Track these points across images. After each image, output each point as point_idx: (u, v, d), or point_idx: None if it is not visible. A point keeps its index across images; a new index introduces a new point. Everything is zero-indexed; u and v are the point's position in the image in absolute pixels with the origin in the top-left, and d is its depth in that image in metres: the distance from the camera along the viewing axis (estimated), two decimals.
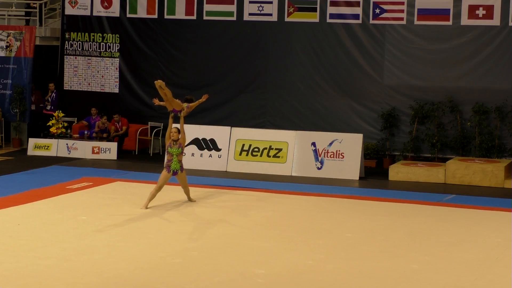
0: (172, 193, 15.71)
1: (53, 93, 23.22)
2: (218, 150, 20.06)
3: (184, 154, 15.33)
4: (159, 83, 15.12)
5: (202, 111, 22.09)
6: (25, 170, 19.11)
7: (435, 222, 14.39)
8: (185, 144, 15.24)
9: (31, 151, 21.75)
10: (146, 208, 14.71)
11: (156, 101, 15.84)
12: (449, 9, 20.31)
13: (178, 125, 15.15)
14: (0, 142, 22.72)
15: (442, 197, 17.01)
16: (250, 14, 21.81)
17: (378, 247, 12.45)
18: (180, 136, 15.10)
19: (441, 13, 20.38)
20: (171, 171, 15.02)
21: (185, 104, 15.50)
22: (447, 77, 20.44)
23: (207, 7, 22.12)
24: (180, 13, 22.36)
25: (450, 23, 20.37)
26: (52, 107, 23.02)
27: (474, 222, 14.46)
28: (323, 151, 19.39)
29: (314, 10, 21.28)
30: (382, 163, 20.68)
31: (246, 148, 19.89)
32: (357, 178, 19.00)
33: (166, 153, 15.24)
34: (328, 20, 21.21)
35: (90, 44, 23.19)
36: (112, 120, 22.30)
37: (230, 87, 22.09)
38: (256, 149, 19.81)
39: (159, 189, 14.98)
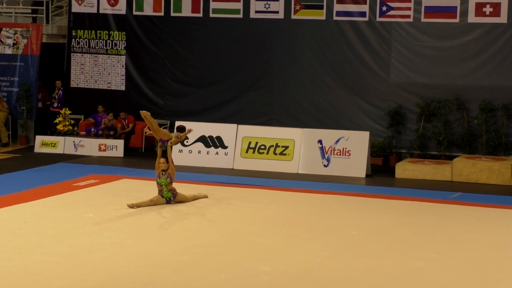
0: (179, 191, 15.70)
1: (60, 91, 23.25)
2: (225, 147, 20.07)
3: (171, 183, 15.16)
4: (144, 113, 15.09)
5: (209, 109, 22.13)
6: (32, 168, 19.14)
7: (442, 220, 14.38)
8: (174, 174, 15.05)
9: (38, 149, 21.79)
10: (131, 207, 14.58)
11: (147, 131, 15.74)
12: (456, 7, 20.28)
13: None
14: (7, 139, 22.76)
15: (448, 195, 16.99)
16: (256, 11, 21.80)
17: (384, 244, 12.45)
18: (169, 166, 15.02)
19: (448, 11, 20.35)
20: (165, 198, 15.02)
21: (174, 134, 15.49)
22: (454, 75, 20.41)
23: (213, 5, 22.12)
24: (186, 11, 22.36)
25: (457, 20, 20.33)
26: (59, 105, 23.05)
27: (480, 220, 14.44)
28: (330, 148, 19.39)
29: (321, 7, 21.26)
30: (389, 160, 20.66)
31: (252, 145, 19.89)
32: (364, 176, 18.98)
33: (156, 183, 15.13)
34: (335, 18, 21.19)
35: (97, 41, 23.21)
36: (118, 118, 22.33)
37: (236, 84, 22.09)
38: (263, 147, 19.82)
39: (152, 204, 14.90)
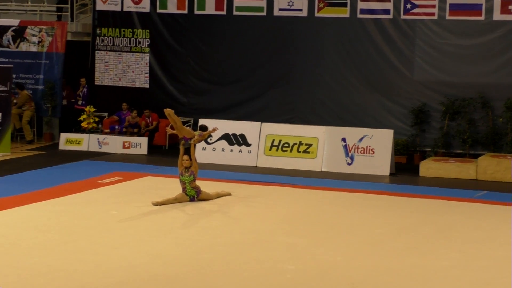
0: (203, 189, 15.72)
1: (84, 88, 23.36)
2: (248, 145, 20.07)
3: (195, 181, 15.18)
4: (168, 111, 15.12)
5: (232, 107, 22.14)
6: (56, 165, 19.25)
7: (466, 219, 14.30)
8: (197, 172, 15.08)
9: (62, 146, 21.90)
10: (155, 205, 14.62)
11: (169, 130, 15.85)
12: (481, 4, 20.15)
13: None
14: (32, 136, 22.89)
15: (473, 193, 16.90)
16: (280, 9, 21.79)
17: (408, 243, 12.40)
18: (192, 164, 15.05)
19: (473, 8, 20.22)
20: (188, 196, 15.05)
21: (197, 132, 15.53)
22: (479, 73, 20.29)
23: (237, 3, 22.12)
24: (210, 9, 22.38)
25: (482, 18, 20.21)
26: (83, 102, 23.15)
27: (505, 219, 14.34)
28: (353, 146, 19.34)
29: (345, 5, 21.21)
30: (413, 159, 20.57)
31: (276, 143, 19.88)
32: (388, 174, 18.92)
33: (179, 181, 15.20)
34: (359, 16, 21.12)
35: (121, 39, 23.29)
36: (142, 115, 22.39)
37: (260, 82, 22.08)
38: (286, 145, 19.80)
39: (176, 201, 14.94)
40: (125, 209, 14.31)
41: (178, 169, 15.12)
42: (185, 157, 15.00)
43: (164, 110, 15.23)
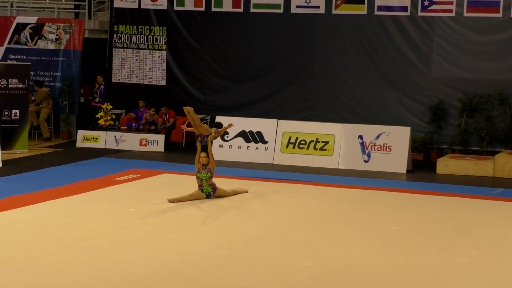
0: (219, 186, 15.73)
1: (101, 86, 23.42)
2: (265, 142, 20.07)
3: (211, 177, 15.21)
4: (187, 109, 15.13)
5: (249, 104, 22.14)
6: (73, 162, 19.31)
7: (483, 216, 14.26)
8: (214, 169, 15.09)
9: (79, 143, 21.97)
10: (172, 202, 14.63)
11: (184, 127, 15.90)
12: (499, 1, 20.05)
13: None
14: (49, 134, 22.97)
15: (490, 191, 16.84)
16: (297, 6, 21.76)
17: (425, 240, 12.37)
18: (209, 161, 15.07)
19: (491, 5, 20.13)
20: (204, 193, 15.06)
21: (213, 129, 15.54)
22: (496, 70, 20.20)
23: (254, 0, 22.11)
24: (227, 6, 22.38)
25: (500, 15, 20.12)
26: (101, 99, 23.22)
27: None
28: (370, 144, 19.30)
29: (362, 2, 21.16)
30: (430, 156, 20.51)
31: (292, 140, 19.87)
32: (405, 171, 18.88)
33: (196, 178, 15.19)
34: (376, 13, 21.08)
35: (138, 36, 23.33)
36: (159, 113, 22.43)
37: (276, 79, 22.07)
38: (303, 142, 19.79)
39: (192, 198, 14.95)
40: (142, 206, 14.35)
41: (195, 167, 15.14)
42: (203, 154, 15.02)
43: (184, 108, 15.25)
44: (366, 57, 21.25)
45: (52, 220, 13.13)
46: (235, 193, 15.53)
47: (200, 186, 15.06)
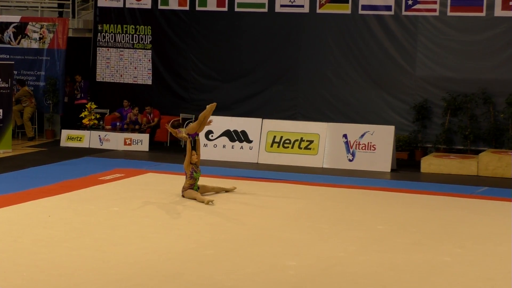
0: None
1: (81, 82, 23.40)
2: (250, 141, 20.07)
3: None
4: (213, 106, 15.26)
5: (234, 103, 22.13)
6: (57, 161, 19.25)
7: (468, 215, 14.31)
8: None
9: (63, 143, 21.91)
10: (207, 203, 14.62)
11: (169, 127, 15.78)
12: (483, 0, 20.13)
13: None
14: (33, 133, 22.89)
15: (474, 189, 16.90)
16: (281, 5, 21.78)
17: (410, 239, 12.41)
18: (198, 158, 15.13)
19: (474, 4, 20.21)
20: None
21: (183, 129, 15.59)
22: (480, 69, 20.28)
23: None
24: (211, 5, 22.37)
25: (483, 14, 20.20)
26: (82, 95, 23.18)
27: (506, 214, 14.34)
28: (355, 143, 19.34)
29: (346, 1, 21.19)
30: (414, 155, 20.57)
31: (277, 140, 19.88)
32: (389, 170, 18.93)
33: (188, 178, 15.02)
34: (360, 12, 21.12)
35: (123, 36, 23.28)
36: (144, 112, 22.39)
37: (261, 79, 22.08)
38: (288, 141, 19.80)
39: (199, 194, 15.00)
40: (127, 205, 14.32)
41: (186, 169, 15.00)
42: (193, 152, 15.03)
43: (210, 105, 15.30)
44: (351, 56, 21.29)
45: (36, 220, 13.08)
46: (215, 190, 15.51)
47: (191, 185, 15.03)
